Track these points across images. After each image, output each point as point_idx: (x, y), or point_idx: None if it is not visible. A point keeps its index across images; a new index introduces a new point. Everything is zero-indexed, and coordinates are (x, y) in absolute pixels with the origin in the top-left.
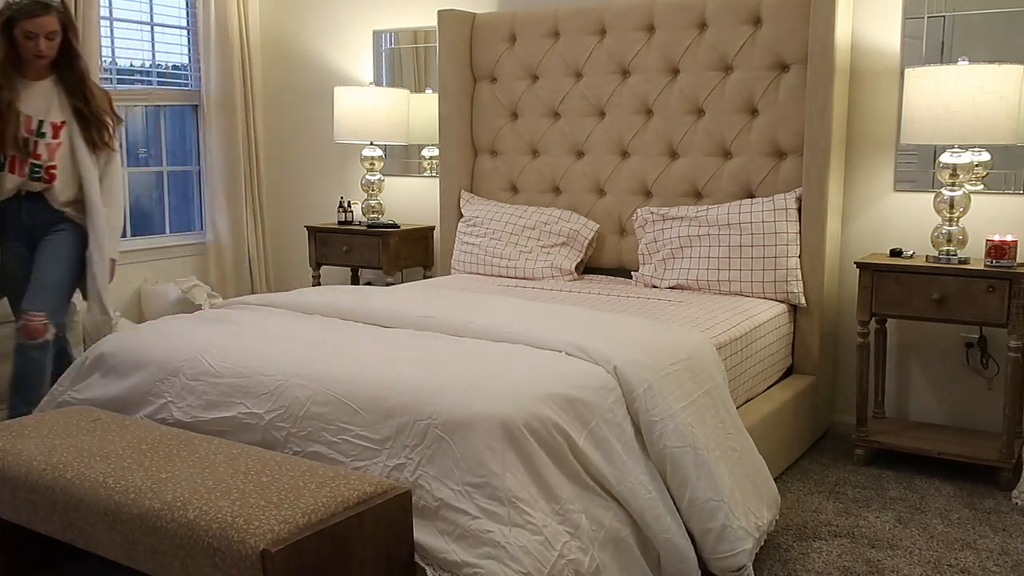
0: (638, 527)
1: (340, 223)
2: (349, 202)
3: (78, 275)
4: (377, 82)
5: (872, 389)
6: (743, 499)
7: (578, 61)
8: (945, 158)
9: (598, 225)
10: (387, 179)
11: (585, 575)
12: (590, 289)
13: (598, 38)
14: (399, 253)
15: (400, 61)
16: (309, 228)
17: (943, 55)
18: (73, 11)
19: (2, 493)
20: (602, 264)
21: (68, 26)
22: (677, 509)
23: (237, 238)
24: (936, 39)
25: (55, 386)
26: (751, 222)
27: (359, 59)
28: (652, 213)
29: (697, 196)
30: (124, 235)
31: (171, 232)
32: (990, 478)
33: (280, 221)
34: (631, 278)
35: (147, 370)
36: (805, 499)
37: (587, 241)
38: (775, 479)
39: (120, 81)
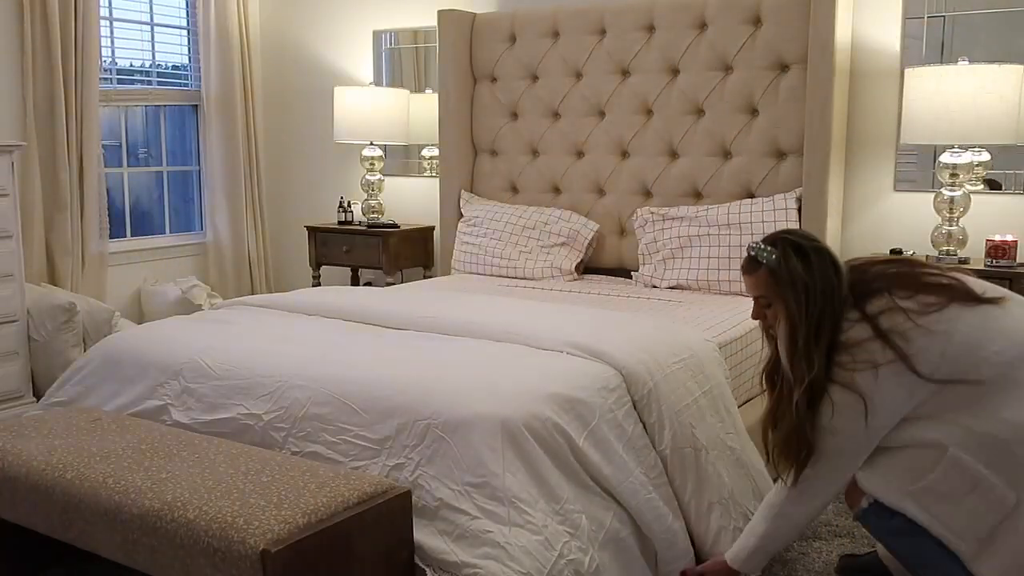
0: (638, 526)
1: (340, 223)
2: (349, 202)
3: None
4: (377, 82)
5: None
6: (742, 499)
7: (578, 61)
8: (945, 158)
9: (598, 225)
10: (387, 179)
11: (585, 575)
12: (590, 289)
13: (598, 38)
14: (399, 253)
15: (400, 61)
16: (309, 228)
17: (943, 55)
18: (73, 11)
19: (2, 493)
20: (602, 264)
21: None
22: (680, 507)
23: (237, 238)
24: (936, 39)
25: (55, 386)
26: (751, 222)
27: (359, 59)
28: (652, 213)
29: (697, 196)
30: (124, 235)
31: (171, 232)
32: None
33: (280, 221)
34: (631, 278)
35: (147, 372)
36: None
37: (587, 241)
38: (775, 479)
39: (120, 81)
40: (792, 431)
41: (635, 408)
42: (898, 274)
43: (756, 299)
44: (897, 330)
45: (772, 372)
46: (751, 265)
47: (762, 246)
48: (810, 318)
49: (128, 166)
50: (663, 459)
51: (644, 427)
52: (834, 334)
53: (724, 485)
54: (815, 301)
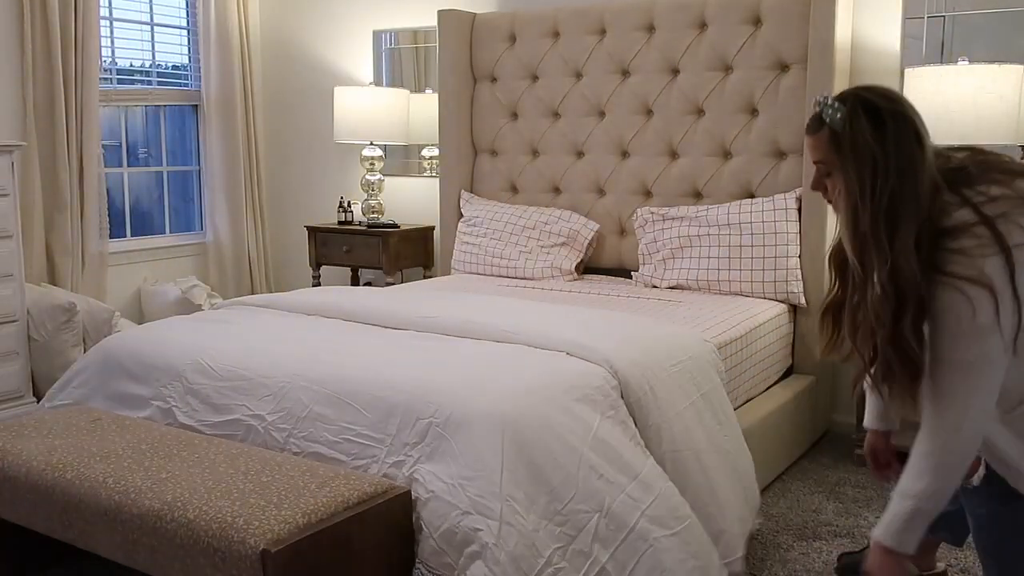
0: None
1: (340, 223)
2: (349, 202)
3: None
4: (377, 82)
5: None
6: (736, 504)
7: (578, 61)
8: None
9: (598, 225)
10: (387, 179)
11: None
12: (590, 289)
13: (598, 38)
14: (399, 253)
15: (400, 61)
16: (309, 228)
17: (943, 55)
18: (73, 11)
19: (2, 493)
20: (602, 264)
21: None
22: None
23: (237, 238)
24: (936, 39)
25: (56, 388)
26: (751, 222)
27: (359, 59)
28: (652, 213)
29: (697, 196)
30: (124, 235)
31: (171, 232)
32: None
33: (280, 221)
34: (631, 278)
35: (149, 373)
36: (805, 499)
37: (587, 241)
38: (775, 479)
39: (120, 81)
40: (885, 342)
41: (634, 411)
42: (984, 161)
43: (816, 165)
44: (1011, 219)
45: (838, 257)
46: (814, 123)
47: (829, 100)
48: (877, 198)
49: (128, 166)
50: (663, 462)
51: (642, 430)
52: (931, 221)
53: (722, 490)
54: (885, 177)
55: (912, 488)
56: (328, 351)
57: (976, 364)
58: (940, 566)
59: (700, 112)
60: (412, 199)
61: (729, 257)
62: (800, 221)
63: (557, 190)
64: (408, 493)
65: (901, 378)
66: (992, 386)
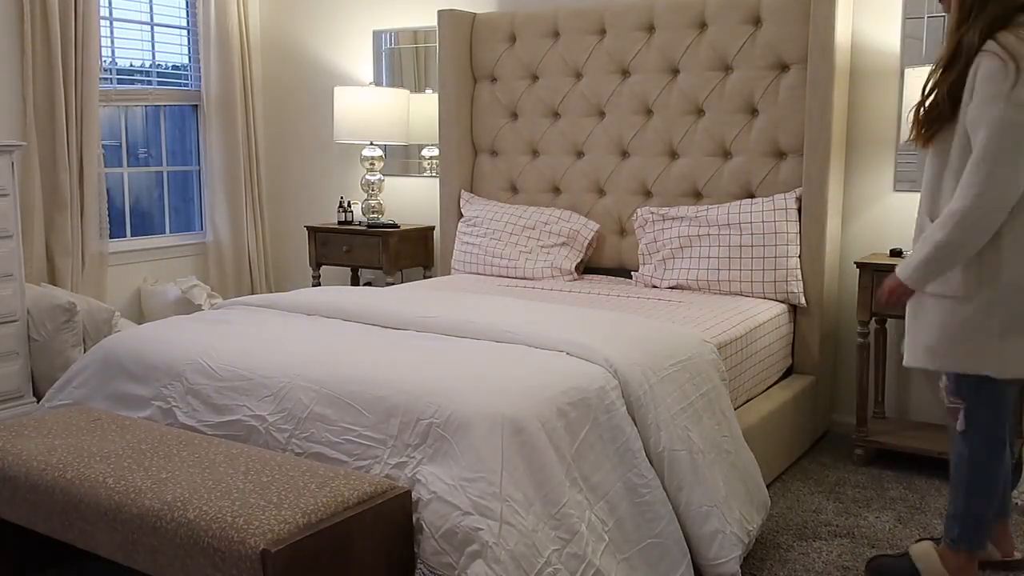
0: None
1: (340, 223)
2: (349, 202)
3: None
4: (377, 82)
5: (872, 389)
6: (737, 504)
7: (578, 61)
8: None
9: (598, 225)
10: (387, 179)
11: None
12: (590, 289)
13: (598, 38)
14: (399, 253)
15: (400, 61)
16: (309, 228)
17: None
18: (73, 11)
19: (2, 493)
20: (602, 264)
21: None
22: (675, 512)
23: (237, 238)
24: (936, 39)
25: (56, 388)
26: (751, 222)
27: (359, 59)
28: (652, 213)
29: (697, 196)
30: (124, 235)
31: (171, 232)
32: None
33: (280, 221)
34: (631, 278)
35: (149, 373)
36: (805, 499)
37: (587, 241)
38: (775, 479)
39: (120, 81)
40: (940, 85)
41: (633, 410)
42: None
43: None
44: None
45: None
46: None
47: None
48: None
49: (128, 166)
50: (660, 461)
51: (641, 429)
52: (1000, 21)
53: (718, 489)
54: None
55: (932, 236)
56: (328, 351)
57: (1006, 126)
58: (1018, 554)
59: (700, 112)
60: (412, 199)
61: (729, 257)
62: (800, 221)
63: (557, 190)
64: (408, 493)
65: (945, 113)
66: (1018, 156)
